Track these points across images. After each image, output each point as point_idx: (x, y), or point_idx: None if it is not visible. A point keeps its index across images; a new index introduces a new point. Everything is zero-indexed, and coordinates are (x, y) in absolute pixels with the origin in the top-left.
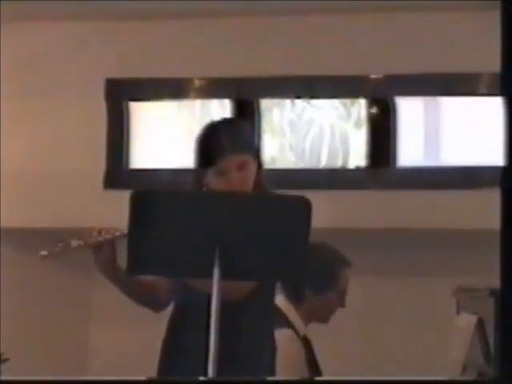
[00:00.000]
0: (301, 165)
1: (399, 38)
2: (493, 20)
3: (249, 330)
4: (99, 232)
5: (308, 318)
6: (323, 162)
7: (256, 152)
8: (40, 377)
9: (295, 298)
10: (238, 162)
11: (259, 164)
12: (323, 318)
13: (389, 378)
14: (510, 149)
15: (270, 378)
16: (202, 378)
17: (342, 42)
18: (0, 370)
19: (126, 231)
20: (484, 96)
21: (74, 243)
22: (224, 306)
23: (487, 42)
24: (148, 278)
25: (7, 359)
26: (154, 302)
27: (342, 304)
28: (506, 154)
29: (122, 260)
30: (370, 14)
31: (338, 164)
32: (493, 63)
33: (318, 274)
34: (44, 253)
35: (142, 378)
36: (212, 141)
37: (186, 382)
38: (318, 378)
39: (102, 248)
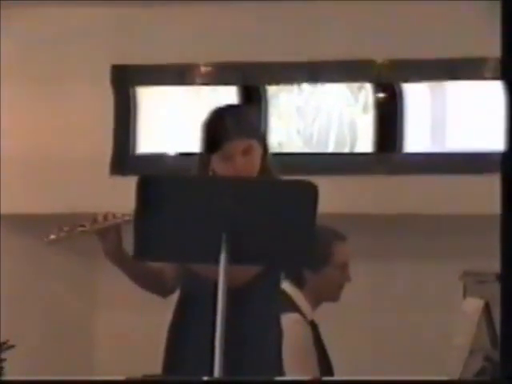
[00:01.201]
0: (308, 150)
1: (405, 22)
2: (499, 4)
3: (254, 314)
4: (105, 217)
5: (316, 300)
6: (331, 147)
7: (261, 137)
8: (45, 364)
9: (297, 281)
10: (243, 146)
11: (265, 149)
12: (331, 297)
13: (395, 363)
14: (510, 134)
15: (276, 378)
16: (205, 378)
17: (348, 27)
18: (2, 358)
19: (132, 216)
20: (491, 80)
21: (80, 228)
22: (229, 291)
23: (494, 25)
24: (154, 264)
25: (12, 346)
26: (160, 288)
27: (347, 278)
28: (507, 139)
29: (129, 245)
30: None
31: (346, 149)
32: (499, 48)
33: None
34: (51, 237)
35: (149, 365)
36: (217, 126)
37: (190, 381)
38: (323, 378)
39: (108, 233)
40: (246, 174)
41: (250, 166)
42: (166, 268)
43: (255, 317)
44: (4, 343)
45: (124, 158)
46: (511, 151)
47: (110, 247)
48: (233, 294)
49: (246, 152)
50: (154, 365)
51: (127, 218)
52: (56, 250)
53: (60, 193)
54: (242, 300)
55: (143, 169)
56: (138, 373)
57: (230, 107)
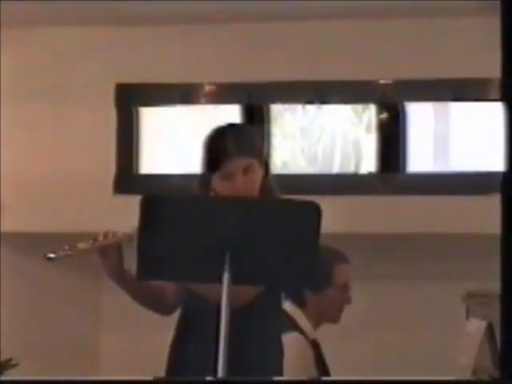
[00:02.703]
0: (312, 170)
1: (409, 43)
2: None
3: (255, 333)
4: (105, 235)
5: (317, 321)
6: (335, 167)
7: (262, 157)
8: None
9: (298, 301)
10: (244, 165)
11: (266, 169)
12: (331, 318)
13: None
14: (510, 154)
15: (276, 378)
16: (209, 378)
17: (353, 48)
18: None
19: (131, 234)
20: (494, 101)
21: (80, 246)
22: (230, 311)
23: (497, 46)
24: (156, 283)
25: (16, 364)
26: (160, 307)
27: (347, 301)
28: (507, 160)
29: (132, 264)
30: (380, 19)
31: (350, 169)
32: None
33: None
34: (51, 255)
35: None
36: (217, 145)
37: (194, 382)
38: (322, 378)
39: (108, 252)
40: (247, 193)
41: (250, 185)
42: (167, 287)
43: (256, 336)
44: (6, 361)
45: (127, 177)
46: (511, 171)
47: (111, 265)
48: (234, 313)
49: (247, 171)
50: None
51: (128, 236)
52: (59, 269)
53: (63, 211)
54: (242, 319)
55: (147, 188)
56: None
57: (230, 126)
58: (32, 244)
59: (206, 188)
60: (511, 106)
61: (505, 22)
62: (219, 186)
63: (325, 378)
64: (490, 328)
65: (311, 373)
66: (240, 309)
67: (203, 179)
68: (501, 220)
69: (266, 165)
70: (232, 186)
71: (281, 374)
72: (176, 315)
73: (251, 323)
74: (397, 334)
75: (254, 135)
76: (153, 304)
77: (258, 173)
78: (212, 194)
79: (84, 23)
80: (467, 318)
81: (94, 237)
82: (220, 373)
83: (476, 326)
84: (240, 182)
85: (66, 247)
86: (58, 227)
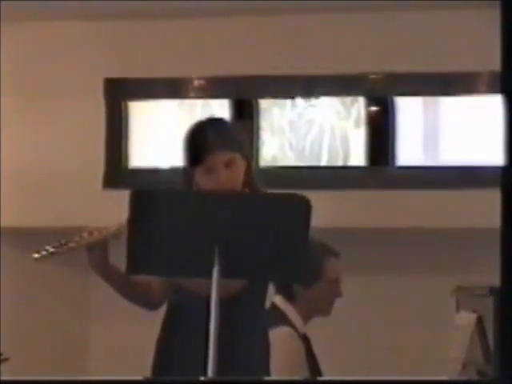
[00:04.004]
0: (301, 163)
1: (398, 37)
2: (492, 19)
3: (240, 326)
4: (90, 233)
5: (307, 315)
6: (324, 161)
7: (245, 151)
8: (40, 377)
9: (288, 295)
10: (225, 159)
11: (248, 163)
12: (322, 312)
13: (388, 377)
14: (509, 147)
15: (270, 379)
16: (201, 378)
17: (341, 41)
18: (0, 369)
19: (119, 230)
20: (483, 95)
21: (65, 245)
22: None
23: (486, 40)
24: (142, 278)
25: (7, 359)
26: (147, 301)
27: (338, 294)
28: (506, 153)
29: (120, 259)
30: (369, 13)
31: (339, 163)
32: (492, 62)
33: None
34: (36, 255)
35: (141, 377)
36: (199, 139)
37: (186, 382)
38: (318, 378)
39: (94, 248)
40: (229, 186)
41: (233, 178)
42: (153, 281)
43: (242, 329)
44: None
45: (117, 171)
46: (511, 164)
47: (96, 261)
48: (220, 306)
49: (229, 165)
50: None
51: (114, 231)
52: (48, 264)
53: (53, 206)
54: (228, 312)
55: (136, 182)
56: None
57: (211, 120)
58: (21, 239)
59: (189, 182)
60: (510, 99)
61: (505, 13)
62: (202, 180)
63: (322, 378)
64: (479, 321)
65: (302, 367)
66: (226, 301)
67: (186, 174)
68: (500, 214)
69: (247, 158)
70: (215, 180)
71: (268, 369)
72: (163, 310)
73: (236, 316)
74: (386, 327)
75: (236, 129)
76: (139, 299)
77: (241, 166)
78: (195, 188)
79: (73, 18)
80: (457, 311)
81: (78, 235)
82: (210, 367)
83: (466, 320)
84: (222, 175)
85: (51, 247)
86: (47, 222)
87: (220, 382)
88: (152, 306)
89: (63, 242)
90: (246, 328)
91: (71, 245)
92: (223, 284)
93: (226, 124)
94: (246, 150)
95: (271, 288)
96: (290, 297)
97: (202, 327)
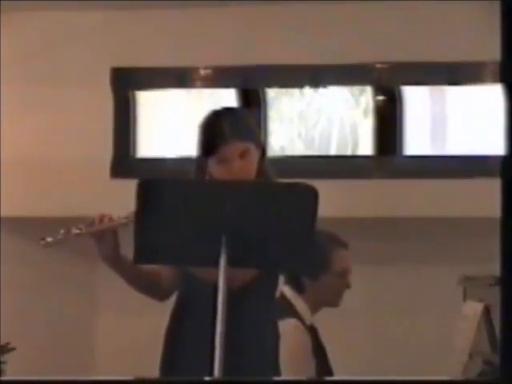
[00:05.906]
0: (309, 153)
1: (405, 26)
2: (499, 8)
3: (250, 316)
4: (101, 219)
5: (315, 306)
6: (332, 151)
7: (259, 141)
8: (45, 368)
9: (297, 286)
10: (240, 149)
11: (262, 153)
12: (331, 303)
13: (395, 367)
14: (510, 137)
15: (275, 378)
16: (206, 378)
17: (349, 30)
18: (2, 361)
19: (128, 219)
20: (490, 84)
21: (75, 230)
22: (227, 293)
23: (493, 30)
24: (152, 267)
25: (13, 348)
26: (156, 291)
27: (347, 285)
28: (507, 143)
29: (127, 248)
30: (376, 2)
31: (347, 152)
32: (499, 52)
33: None
34: (47, 240)
35: (148, 367)
36: (214, 129)
37: (189, 381)
38: (322, 378)
39: (104, 236)
40: (243, 177)
41: (246, 169)
42: (163, 271)
43: (251, 320)
44: (4, 345)
45: (124, 161)
46: (511, 154)
47: (106, 250)
48: (229, 296)
49: (243, 155)
50: (155, 367)
51: (124, 220)
52: (55, 253)
53: (60, 196)
54: (238, 303)
55: (143, 172)
56: (138, 375)
57: (226, 110)
58: (29, 228)
59: (202, 172)
60: (511, 90)
61: (504, 3)
62: (215, 170)
63: (325, 378)
64: (486, 311)
65: (308, 359)
66: (236, 292)
67: (199, 163)
68: (500, 203)
69: (262, 149)
70: (228, 171)
71: (277, 359)
72: (171, 302)
73: (247, 307)
74: (394, 317)
75: (250, 119)
76: (148, 289)
77: (255, 157)
78: (208, 178)
79: (78, 8)
80: (464, 300)
81: (89, 221)
82: (217, 358)
83: (473, 309)
84: (237, 166)
85: (62, 232)
86: (54, 211)
87: (225, 381)
88: (162, 296)
89: (73, 228)
90: (256, 318)
91: (81, 231)
92: (233, 273)
93: (240, 114)
94: (260, 139)
95: (281, 279)
96: (298, 288)
97: (211, 317)
